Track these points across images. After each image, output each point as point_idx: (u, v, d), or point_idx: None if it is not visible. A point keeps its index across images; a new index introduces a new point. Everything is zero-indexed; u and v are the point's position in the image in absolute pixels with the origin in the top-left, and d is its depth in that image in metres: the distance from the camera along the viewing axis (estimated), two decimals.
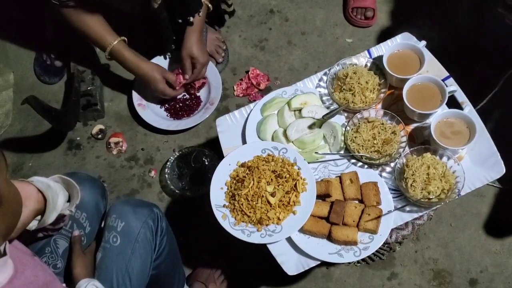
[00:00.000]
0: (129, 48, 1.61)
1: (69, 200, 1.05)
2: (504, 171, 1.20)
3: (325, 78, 1.35)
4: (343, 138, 1.26)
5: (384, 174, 1.25)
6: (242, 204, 1.19)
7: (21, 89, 1.96)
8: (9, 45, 2.02)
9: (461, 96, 1.28)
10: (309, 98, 1.32)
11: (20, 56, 2.01)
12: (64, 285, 1.07)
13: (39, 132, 1.88)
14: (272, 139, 1.30)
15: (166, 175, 1.73)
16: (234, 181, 1.23)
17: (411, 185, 1.17)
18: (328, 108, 1.33)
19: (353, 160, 1.26)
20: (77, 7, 1.48)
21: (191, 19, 1.60)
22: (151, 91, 1.73)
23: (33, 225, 0.99)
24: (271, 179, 1.20)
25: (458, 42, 1.81)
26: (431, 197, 1.16)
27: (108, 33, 1.56)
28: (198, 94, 1.83)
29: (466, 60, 1.72)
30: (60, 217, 1.04)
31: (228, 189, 1.24)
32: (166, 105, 1.82)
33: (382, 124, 1.25)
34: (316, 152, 1.26)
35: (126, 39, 1.60)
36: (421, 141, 1.27)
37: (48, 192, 0.97)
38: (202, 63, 1.68)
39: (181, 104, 1.82)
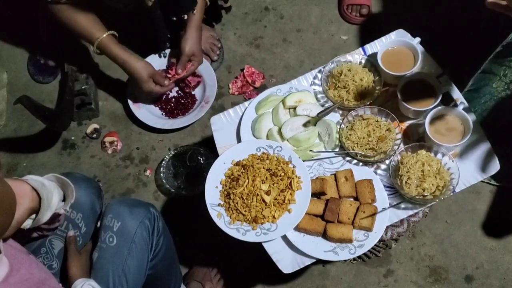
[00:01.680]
0: (118, 43, 1.57)
1: (64, 200, 1.05)
2: (499, 167, 1.20)
3: (319, 75, 1.35)
4: (338, 136, 1.26)
5: (379, 171, 1.25)
6: (237, 203, 1.19)
7: (15, 88, 1.95)
8: (2, 44, 2.01)
9: (455, 93, 1.28)
10: (304, 96, 1.32)
11: (13, 55, 2.00)
12: (60, 285, 1.07)
13: (33, 132, 1.88)
14: (267, 138, 1.30)
15: (162, 174, 1.72)
16: (229, 180, 1.23)
17: (406, 182, 1.17)
18: (322, 106, 1.33)
19: (348, 158, 1.26)
20: (68, 4, 1.46)
21: (185, 17, 1.59)
22: (139, 89, 1.68)
23: (28, 223, 0.98)
24: (266, 178, 1.20)
25: (453, 39, 1.81)
26: (426, 194, 1.16)
27: (97, 27, 1.52)
28: (193, 92, 1.83)
29: (461, 57, 1.72)
30: (55, 216, 1.04)
31: (223, 188, 1.23)
32: (161, 104, 1.82)
33: (377, 121, 1.25)
34: (311, 150, 1.26)
35: (115, 33, 1.56)
36: (416, 138, 1.27)
37: (43, 191, 0.96)
38: (200, 61, 1.69)
39: (176, 103, 1.81)
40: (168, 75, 1.69)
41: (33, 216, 0.98)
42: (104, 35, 1.52)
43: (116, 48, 1.55)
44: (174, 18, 1.61)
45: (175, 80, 1.70)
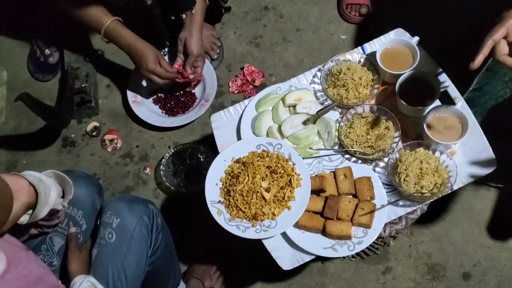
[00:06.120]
0: (125, 27, 1.57)
1: (63, 196, 1.05)
2: (496, 165, 1.21)
3: (319, 74, 1.36)
4: (337, 134, 1.27)
5: (377, 169, 1.26)
6: (237, 200, 1.19)
7: (15, 86, 1.96)
8: (2, 42, 2.01)
9: (453, 91, 1.29)
10: (304, 94, 1.33)
11: (13, 53, 2.00)
12: (59, 282, 1.07)
13: (33, 129, 1.88)
14: (267, 135, 1.31)
15: (161, 172, 1.73)
16: (229, 177, 1.23)
17: (404, 179, 1.18)
18: (322, 104, 1.33)
19: (347, 156, 1.27)
20: None
21: (184, 16, 1.60)
22: (142, 71, 1.63)
23: (25, 219, 0.98)
24: (266, 175, 1.21)
25: (451, 38, 1.82)
26: (424, 192, 1.17)
27: (104, 13, 1.54)
28: (193, 91, 1.84)
29: (459, 56, 1.73)
30: (54, 213, 1.04)
31: (223, 185, 1.24)
32: (161, 102, 1.82)
33: (376, 119, 1.26)
34: (310, 148, 1.27)
35: (121, 19, 1.57)
36: (414, 136, 1.28)
37: (40, 186, 0.96)
38: (204, 62, 1.70)
39: (176, 101, 1.82)
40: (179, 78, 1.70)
41: (30, 211, 0.98)
42: (112, 19, 1.53)
43: (124, 30, 1.56)
44: (173, 17, 1.62)
45: (185, 80, 1.71)
